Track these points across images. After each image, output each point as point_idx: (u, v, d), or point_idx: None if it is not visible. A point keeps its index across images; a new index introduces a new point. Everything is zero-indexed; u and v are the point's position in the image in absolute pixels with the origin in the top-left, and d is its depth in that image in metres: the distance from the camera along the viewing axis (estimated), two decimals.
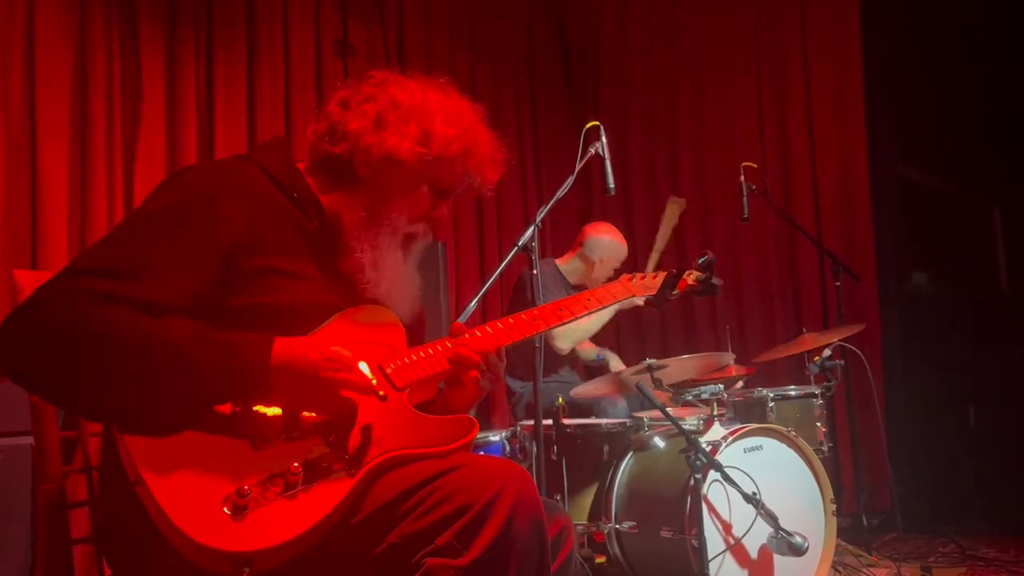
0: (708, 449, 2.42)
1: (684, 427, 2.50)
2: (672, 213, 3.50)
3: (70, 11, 3.33)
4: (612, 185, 2.53)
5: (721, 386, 2.88)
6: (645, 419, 2.93)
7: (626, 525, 2.66)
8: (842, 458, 3.95)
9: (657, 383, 2.82)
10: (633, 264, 4.25)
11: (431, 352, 1.43)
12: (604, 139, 2.51)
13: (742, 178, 3.57)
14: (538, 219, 2.43)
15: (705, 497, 2.42)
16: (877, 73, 4.29)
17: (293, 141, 3.72)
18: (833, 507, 2.69)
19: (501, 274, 2.54)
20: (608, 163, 2.51)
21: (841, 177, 4.37)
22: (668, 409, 2.59)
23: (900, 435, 4.06)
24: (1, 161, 3.10)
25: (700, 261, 1.78)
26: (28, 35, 3.21)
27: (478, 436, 1.36)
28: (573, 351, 3.72)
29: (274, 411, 1.24)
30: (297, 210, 1.41)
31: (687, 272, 1.79)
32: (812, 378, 3.26)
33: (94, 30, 3.38)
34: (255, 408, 1.23)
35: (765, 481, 2.44)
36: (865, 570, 2.97)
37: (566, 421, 2.86)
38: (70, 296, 1.15)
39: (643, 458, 2.81)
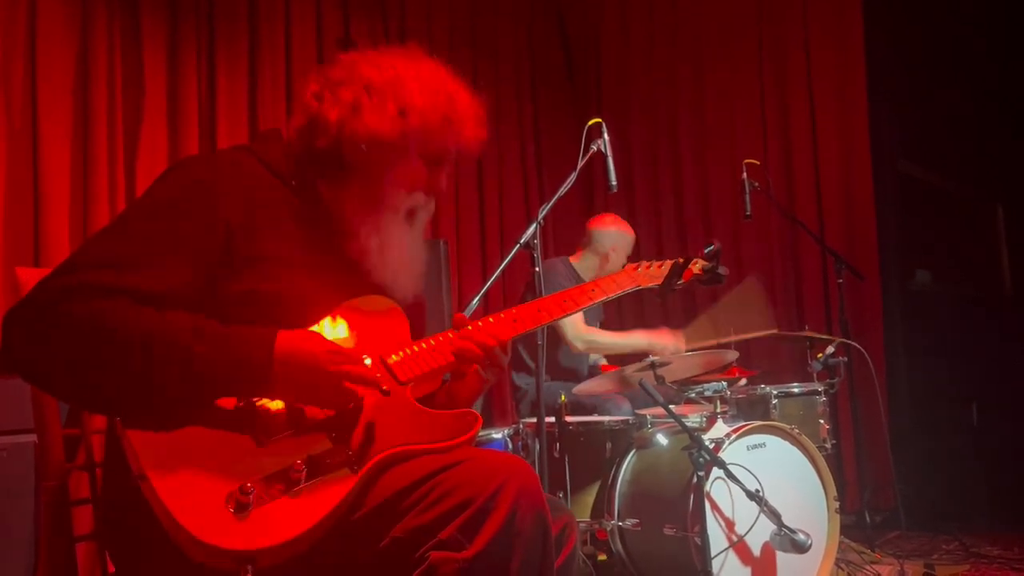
0: (711, 446, 2.41)
1: (687, 424, 2.49)
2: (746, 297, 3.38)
3: (72, 5, 3.32)
4: (614, 182, 2.52)
5: (724, 383, 2.88)
6: (648, 416, 2.93)
7: (629, 522, 2.66)
8: (845, 455, 3.94)
9: (660, 380, 2.82)
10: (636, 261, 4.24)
11: (435, 345, 1.42)
12: (606, 136, 2.51)
13: (744, 175, 3.57)
14: (540, 216, 2.42)
15: (708, 494, 2.41)
16: (880, 69, 4.28)
17: None
18: (836, 504, 2.69)
19: (503, 272, 2.54)
20: (610, 160, 2.51)
21: (844, 174, 4.36)
22: (671, 406, 2.59)
23: (903, 432, 4.06)
24: (3, 157, 3.10)
25: (707, 250, 1.78)
26: (30, 30, 3.21)
27: (480, 433, 1.36)
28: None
29: (277, 407, 1.24)
30: (296, 198, 1.41)
31: (693, 261, 1.78)
32: (815, 375, 3.26)
33: (96, 25, 3.38)
34: (259, 404, 1.23)
35: (768, 478, 2.44)
36: (868, 567, 2.96)
37: (569, 418, 2.85)
38: (72, 290, 1.15)
39: (646, 455, 2.80)
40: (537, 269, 2.40)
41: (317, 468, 1.19)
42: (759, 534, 2.44)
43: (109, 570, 1.37)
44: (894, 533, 3.66)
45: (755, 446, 2.61)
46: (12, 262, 3.01)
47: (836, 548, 2.67)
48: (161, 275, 1.21)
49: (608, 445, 2.87)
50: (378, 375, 1.28)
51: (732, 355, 3.10)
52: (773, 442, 2.66)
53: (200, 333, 1.18)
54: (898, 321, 4.25)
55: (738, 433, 2.55)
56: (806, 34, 4.51)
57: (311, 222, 1.41)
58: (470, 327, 1.45)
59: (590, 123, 2.54)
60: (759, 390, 3.12)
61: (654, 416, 2.93)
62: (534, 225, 2.38)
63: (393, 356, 1.38)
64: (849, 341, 3.42)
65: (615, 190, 2.54)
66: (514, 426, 2.81)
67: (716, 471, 2.42)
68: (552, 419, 2.74)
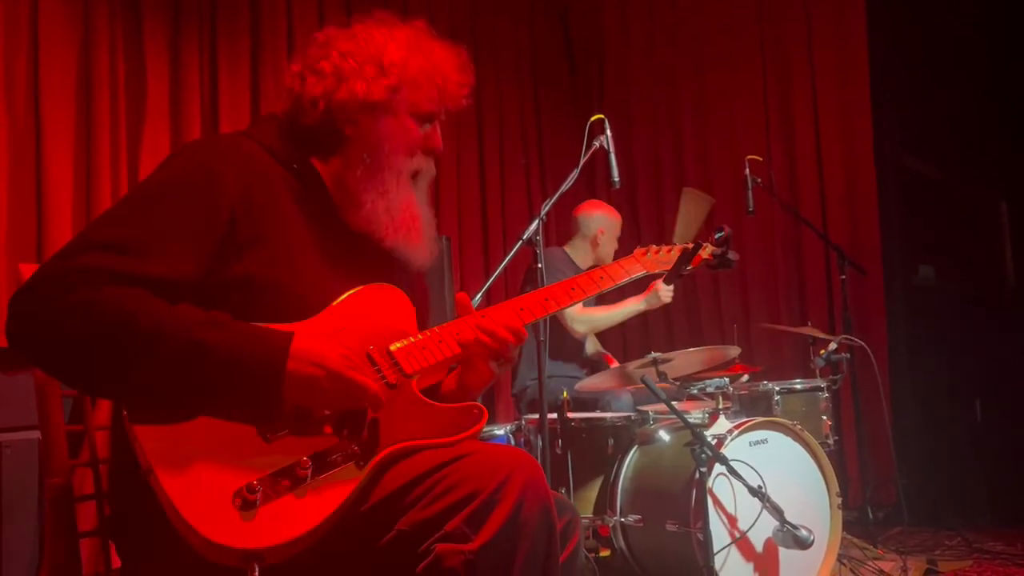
0: (713, 443, 2.41)
1: (689, 420, 2.49)
2: (690, 206, 3.44)
3: (74, 6, 3.33)
4: (617, 178, 2.52)
5: (726, 379, 2.88)
6: (650, 413, 2.93)
7: (631, 518, 2.66)
8: (848, 451, 3.94)
9: (662, 376, 2.82)
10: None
11: (441, 335, 1.41)
12: (608, 132, 2.50)
13: (747, 171, 3.57)
14: (542, 213, 2.42)
15: (710, 490, 2.41)
16: (882, 64, 4.27)
17: None
18: (839, 500, 2.69)
19: (506, 268, 2.54)
20: (612, 156, 2.50)
21: (847, 170, 4.35)
22: (673, 402, 2.59)
23: (906, 428, 4.05)
24: (6, 156, 3.11)
25: (716, 236, 1.76)
26: (32, 31, 3.22)
27: (483, 430, 1.35)
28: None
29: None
30: (296, 181, 1.40)
31: (703, 246, 1.76)
32: (818, 371, 3.26)
33: (98, 25, 3.38)
34: None
35: (771, 474, 2.44)
36: (871, 563, 2.96)
37: (571, 415, 2.86)
38: (79, 273, 1.15)
39: (648, 452, 2.81)
40: (539, 265, 2.40)
41: (323, 464, 1.19)
42: (761, 530, 2.44)
43: (113, 566, 1.37)
44: (896, 529, 3.66)
45: (757, 442, 2.61)
46: (16, 259, 3.01)
47: (838, 544, 2.67)
48: (167, 260, 1.21)
49: (610, 441, 2.87)
50: (385, 397, 1.25)
51: (735, 351, 3.10)
52: (775, 438, 2.66)
53: (214, 325, 1.17)
54: (901, 317, 4.24)
55: (740, 429, 2.55)
56: (808, 30, 4.50)
57: (313, 205, 1.40)
58: (477, 317, 1.44)
59: (592, 119, 2.53)
60: (761, 386, 3.12)
61: (656, 412, 2.94)
62: (536, 221, 2.38)
63: (398, 345, 1.36)
64: (852, 337, 3.41)
65: (617, 186, 2.53)
66: (516, 422, 2.81)
67: (718, 467, 2.42)
68: (554, 415, 2.74)
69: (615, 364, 3.64)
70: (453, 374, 1.53)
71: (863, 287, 4.11)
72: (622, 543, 2.72)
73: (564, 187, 2.49)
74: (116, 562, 1.33)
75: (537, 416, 2.47)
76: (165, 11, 3.61)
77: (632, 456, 2.81)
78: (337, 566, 1.21)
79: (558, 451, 2.73)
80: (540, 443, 2.44)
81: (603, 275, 1.63)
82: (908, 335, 4.24)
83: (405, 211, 1.45)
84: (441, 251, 3.99)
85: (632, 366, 2.92)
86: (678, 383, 2.99)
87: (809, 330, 3.36)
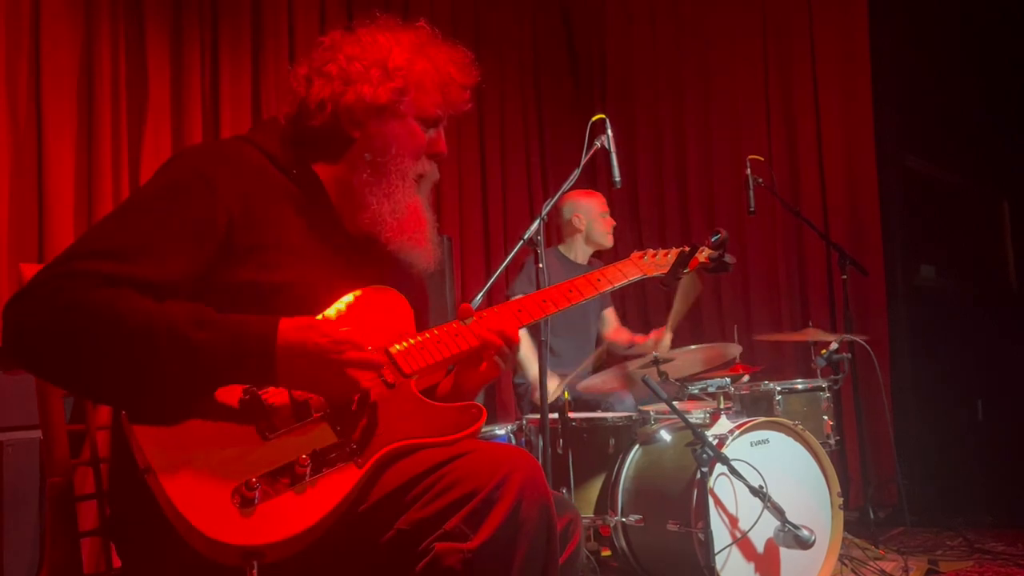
0: (715, 443, 2.41)
1: (691, 420, 2.49)
2: (688, 288, 3.41)
3: (75, 6, 3.33)
4: (618, 178, 2.52)
5: (728, 379, 2.88)
6: (652, 412, 2.93)
7: (632, 518, 2.66)
8: (849, 451, 3.94)
9: (663, 376, 2.82)
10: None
11: (440, 336, 1.41)
12: (610, 132, 2.50)
13: (748, 171, 3.56)
14: (544, 212, 2.42)
15: (711, 490, 2.41)
16: (885, 64, 4.26)
17: None
18: (840, 500, 2.69)
19: (507, 268, 2.54)
20: (614, 156, 2.50)
21: (848, 170, 4.35)
22: (675, 402, 2.59)
23: (907, 428, 4.05)
24: (8, 156, 3.11)
25: (713, 239, 1.77)
26: (34, 31, 3.22)
27: (483, 430, 1.35)
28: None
29: (282, 400, 1.24)
30: (295, 187, 1.41)
31: (699, 250, 1.77)
32: (819, 371, 3.25)
33: (100, 26, 3.38)
34: (264, 397, 1.23)
35: (772, 474, 2.44)
36: (872, 563, 2.96)
37: (572, 415, 2.86)
38: (73, 279, 1.15)
39: (649, 451, 2.81)
40: (541, 265, 2.40)
41: (322, 462, 1.19)
42: (763, 530, 2.44)
43: (114, 565, 1.37)
44: (898, 529, 3.65)
45: (759, 442, 2.61)
46: (17, 259, 3.02)
47: (840, 544, 2.67)
48: (162, 265, 1.21)
49: (611, 441, 2.87)
50: (383, 361, 1.27)
51: (736, 349, 3.10)
52: (777, 438, 2.65)
53: (201, 321, 1.18)
54: (902, 317, 4.24)
55: (742, 429, 2.55)
56: (811, 30, 4.49)
57: (313, 211, 1.41)
58: (476, 318, 1.44)
59: (594, 119, 2.54)
60: (763, 386, 3.11)
61: (658, 412, 2.93)
62: (537, 221, 2.38)
63: (397, 347, 1.37)
64: (853, 337, 3.41)
65: (619, 186, 2.53)
66: (517, 422, 2.81)
67: (720, 467, 2.42)
68: (555, 415, 2.74)
69: (652, 335, 3.47)
70: (451, 375, 1.53)
71: (864, 287, 4.11)
72: (623, 543, 2.72)
73: (565, 187, 2.49)
74: (116, 562, 1.33)
75: (538, 416, 2.47)
76: (167, 12, 3.61)
77: (633, 456, 2.81)
78: (336, 565, 1.21)
79: (559, 451, 2.73)
80: (541, 443, 2.44)
81: (601, 277, 1.65)
82: (909, 334, 4.23)
83: (410, 213, 1.45)
84: (442, 250, 3.99)
85: (634, 366, 2.92)
86: (679, 383, 2.99)
87: (809, 334, 3.35)
